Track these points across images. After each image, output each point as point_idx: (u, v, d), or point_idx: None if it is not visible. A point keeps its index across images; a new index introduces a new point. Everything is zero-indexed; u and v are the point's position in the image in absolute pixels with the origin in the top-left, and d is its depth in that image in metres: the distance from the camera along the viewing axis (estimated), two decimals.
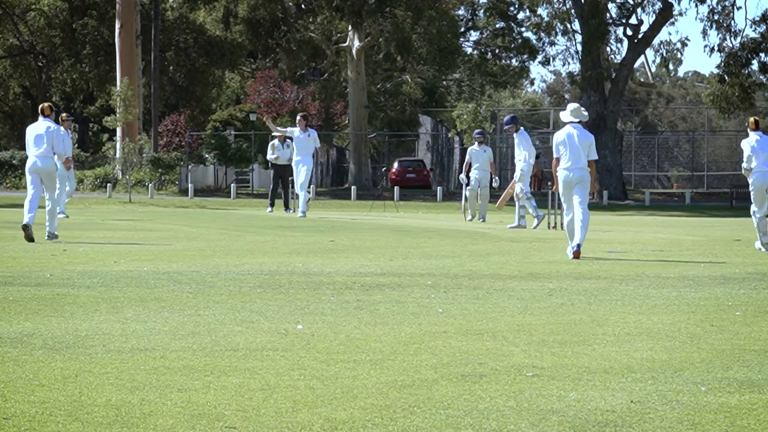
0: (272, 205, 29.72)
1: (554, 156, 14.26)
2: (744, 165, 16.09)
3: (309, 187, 27.77)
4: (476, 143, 23.72)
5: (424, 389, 4.66)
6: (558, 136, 14.35)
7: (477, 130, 25.98)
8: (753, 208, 15.99)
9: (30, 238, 14.85)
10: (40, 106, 16.48)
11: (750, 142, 15.88)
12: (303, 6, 59.96)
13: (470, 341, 6.01)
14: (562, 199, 14.45)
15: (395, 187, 46.93)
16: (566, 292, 8.58)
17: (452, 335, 6.23)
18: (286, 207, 28.73)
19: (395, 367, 5.17)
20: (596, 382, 4.88)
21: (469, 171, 23.80)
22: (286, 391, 4.58)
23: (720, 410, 4.35)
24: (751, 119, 16.53)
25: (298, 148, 23.47)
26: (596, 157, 14.80)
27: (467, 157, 23.94)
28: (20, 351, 5.51)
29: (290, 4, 59.93)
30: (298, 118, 23.88)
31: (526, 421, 4.12)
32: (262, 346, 5.73)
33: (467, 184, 23.87)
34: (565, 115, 14.59)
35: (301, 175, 23.21)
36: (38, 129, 16.08)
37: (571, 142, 14.32)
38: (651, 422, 4.13)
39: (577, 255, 13.19)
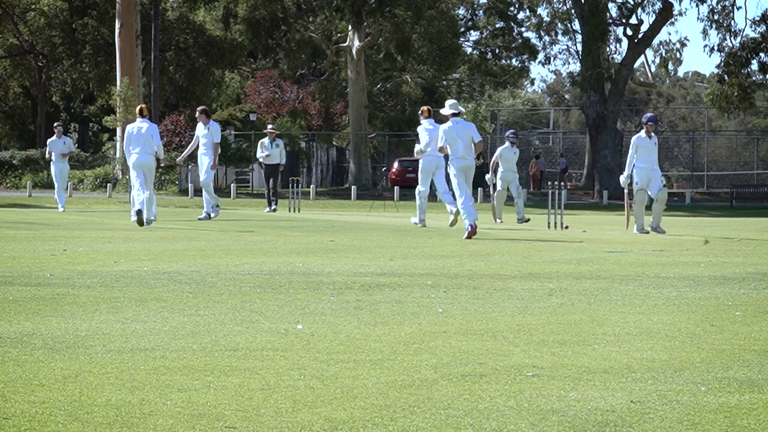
0: (269, 204, 29.78)
1: (439, 144, 17.29)
2: None
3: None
4: (508, 143, 23.24)
5: (424, 389, 4.67)
6: (445, 130, 17.08)
7: (511, 131, 24.83)
8: None
9: (141, 222, 18.47)
10: (138, 107, 19.82)
11: None
12: (303, 6, 59.95)
13: (470, 341, 6.02)
14: (456, 184, 17.12)
15: (395, 187, 46.93)
16: (566, 292, 8.59)
17: (452, 335, 6.23)
18: (269, 205, 28.80)
19: (395, 367, 5.18)
20: (596, 382, 4.88)
21: (495, 171, 23.58)
22: (286, 391, 4.58)
23: (720, 410, 4.35)
24: None
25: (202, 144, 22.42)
26: (480, 138, 17.41)
27: (496, 156, 23.37)
28: (20, 351, 5.51)
29: (290, 4, 59.92)
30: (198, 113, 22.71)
31: (526, 421, 4.12)
32: (262, 346, 5.73)
33: (494, 185, 23.38)
34: (445, 110, 17.15)
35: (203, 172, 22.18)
36: (139, 128, 19.23)
37: (459, 134, 16.98)
38: (651, 422, 4.13)
39: (473, 233, 16.27)
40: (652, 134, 18.32)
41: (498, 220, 23.13)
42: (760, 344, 6.07)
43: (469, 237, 16.48)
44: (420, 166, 20.54)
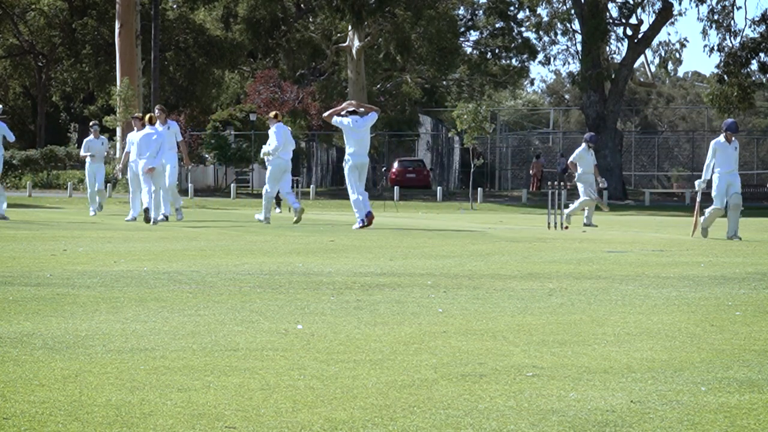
0: (278, 205, 29.84)
1: (348, 144, 18.98)
2: None
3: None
4: (585, 145, 22.80)
5: (424, 389, 4.67)
6: (344, 128, 18.93)
7: (590, 134, 24.26)
8: None
9: (148, 220, 19.89)
10: (149, 116, 20.74)
11: None
12: (303, 6, 59.95)
13: (470, 341, 6.01)
14: (349, 182, 18.89)
15: (395, 187, 46.94)
16: (566, 292, 8.59)
17: (452, 335, 6.23)
18: (278, 205, 28.83)
19: (395, 367, 5.18)
20: (596, 382, 4.88)
21: (565, 171, 23.36)
22: (286, 391, 4.58)
23: (720, 410, 4.35)
24: None
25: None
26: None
27: (573, 158, 22.85)
28: (20, 351, 5.51)
29: (290, 4, 59.91)
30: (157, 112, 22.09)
31: (526, 421, 4.12)
32: (262, 346, 5.73)
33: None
34: (345, 110, 19.16)
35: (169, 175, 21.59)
36: (149, 134, 20.16)
37: (359, 132, 18.84)
38: (651, 422, 4.13)
39: (368, 224, 18.58)
40: (733, 139, 17.66)
41: (588, 225, 22.42)
42: (760, 344, 6.07)
43: (363, 227, 18.70)
44: (269, 168, 21.07)
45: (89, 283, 8.80)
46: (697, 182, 18.03)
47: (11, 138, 22.18)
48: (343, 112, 19.32)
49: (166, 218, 21.09)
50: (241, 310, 7.21)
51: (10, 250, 12.65)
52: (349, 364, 5.25)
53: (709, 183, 17.99)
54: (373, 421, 4.09)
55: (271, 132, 20.96)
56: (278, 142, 20.60)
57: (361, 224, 18.77)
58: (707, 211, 17.99)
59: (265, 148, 21.25)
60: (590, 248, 14.35)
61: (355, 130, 19.01)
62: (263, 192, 21.19)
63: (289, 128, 22.24)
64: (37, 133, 61.78)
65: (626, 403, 4.44)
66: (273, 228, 19.24)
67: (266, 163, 22.26)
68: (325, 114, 19.89)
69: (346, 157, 19.15)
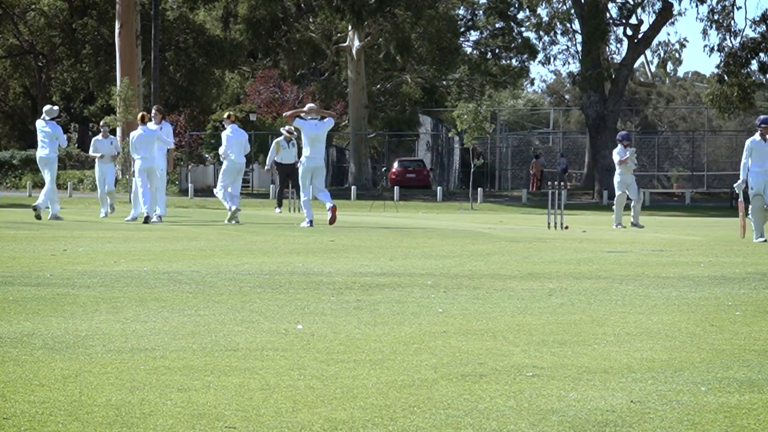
0: (280, 205, 29.75)
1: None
2: None
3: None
4: (621, 146, 22.50)
5: (424, 389, 4.66)
6: (304, 130, 19.52)
7: (623, 132, 23.83)
8: None
9: (146, 221, 20.12)
10: (141, 114, 20.87)
11: None
12: (303, 6, 59.96)
13: (470, 341, 6.01)
14: (302, 183, 19.93)
15: (395, 187, 46.93)
16: (566, 292, 8.58)
17: (452, 335, 6.23)
18: (279, 205, 28.84)
19: (395, 367, 5.17)
20: (596, 382, 4.88)
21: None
22: (286, 391, 4.58)
23: (720, 410, 4.35)
24: None
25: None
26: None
27: (618, 157, 22.51)
28: (20, 351, 5.51)
29: (290, 4, 59.91)
30: (153, 112, 22.03)
31: (526, 421, 4.12)
32: (262, 346, 5.73)
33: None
34: (305, 113, 19.86)
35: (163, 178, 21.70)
36: (141, 134, 20.10)
37: (318, 135, 19.56)
38: (651, 422, 4.13)
39: (334, 216, 19.70)
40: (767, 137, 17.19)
41: (617, 226, 22.11)
42: (760, 344, 6.07)
43: (314, 224, 19.37)
44: (222, 168, 21.53)
45: (89, 283, 8.80)
46: (735, 185, 17.74)
47: (64, 143, 22.16)
48: (303, 115, 20.00)
49: (161, 219, 21.07)
50: (241, 310, 7.21)
51: (10, 250, 12.64)
52: (349, 364, 5.25)
53: (745, 183, 17.55)
54: (373, 421, 4.08)
55: (224, 134, 21.44)
56: (226, 145, 21.19)
57: (309, 224, 19.36)
58: (751, 213, 17.61)
59: (220, 150, 21.79)
60: (590, 248, 14.35)
61: (314, 133, 19.70)
62: (216, 192, 21.64)
63: (244, 131, 22.40)
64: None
65: (626, 403, 4.44)
66: (273, 228, 19.24)
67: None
68: (287, 114, 20.43)
69: (302, 159, 19.97)
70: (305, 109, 20.44)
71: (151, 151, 20.56)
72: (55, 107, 22.89)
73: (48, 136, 21.77)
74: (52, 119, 21.91)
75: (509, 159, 62.18)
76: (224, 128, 21.78)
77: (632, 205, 22.72)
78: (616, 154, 22.60)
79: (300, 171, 19.93)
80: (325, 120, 19.95)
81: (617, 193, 22.62)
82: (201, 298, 7.85)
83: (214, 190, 21.77)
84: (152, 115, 21.71)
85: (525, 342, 6.01)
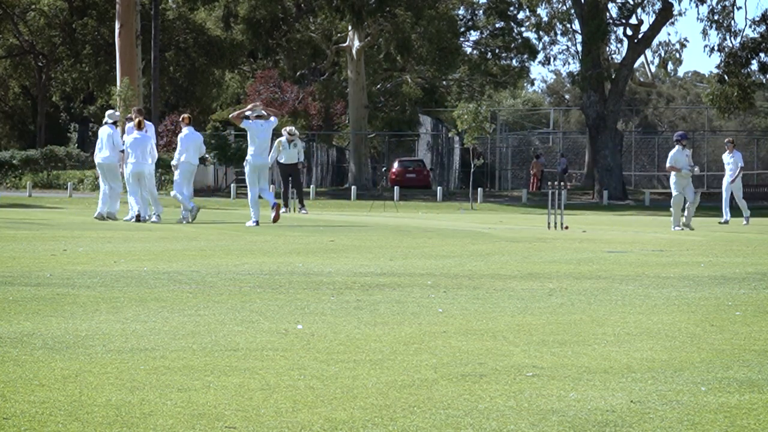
0: (286, 205, 29.75)
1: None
2: None
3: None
4: (679, 147, 22.04)
5: (424, 389, 4.66)
6: (251, 130, 20.04)
7: (680, 132, 23.48)
8: None
9: (138, 219, 20.73)
10: (138, 120, 20.99)
11: None
12: (303, 6, 59.94)
13: (470, 341, 6.01)
14: (249, 181, 20.20)
15: (395, 187, 46.94)
16: (566, 292, 8.58)
17: (452, 335, 6.23)
18: (302, 206, 28.70)
19: (395, 367, 5.17)
20: (596, 382, 4.88)
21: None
22: (286, 391, 4.58)
23: (720, 410, 4.35)
24: None
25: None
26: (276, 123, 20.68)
27: (670, 161, 22.06)
28: (20, 351, 5.51)
29: (290, 4, 59.90)
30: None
31: (526, 421, 4.12)
32: (262, 346, 5.73)
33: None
34: (250, 112, 20.38)
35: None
36: (139, 138, 20.59)
37: (263, 134, 20.09)
38: (651, 422, 4.13)
39: (278, 213, 20.23)
40: None
41: (676, 227, 21.71)
42: (760, 344, 6.07)
43: (267, 223, 19.69)
44: (179, 170, 21.71)
45: (89, 283, 8.80)
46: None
47: (120, 146, 22.03)
48: (248, 112, 20.48)
49: (159, 217, 21.22)
50: (241, 310, 7.21)
51: (10, 250, 12.64)
52: (349, 364, 5.25)
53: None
54: (373, 421, 4.09)
55: (180, 136, 21.57)
56: (180, 147, 21.34)
57: (254, 224, 19.74)
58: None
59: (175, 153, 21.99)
60: (590, 248, 14.35)
61: (260, 132, 20.20)
62: (174, 194, 21.88)
63: (200, 133, 22.48)
64: (37, 133, 61.78)
65: (626, 403, 4.44)
66: (273, 228, 19.24)
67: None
68: (232, 114, 20.98)
69: (248, 157, 20.36)
70: (249, 107, 20.95)
71: (144, 155, 20.95)
72: (117, 112, 23.52)
73: (110, 139, 22.05)
74: (113, 123, 22.30)
75: (509, 159, 62.18)
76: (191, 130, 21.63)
77: (687, 206, 22.14)
78: (671, 157, 22.04)
79: (246, 170, 20.44)
80: (271, 119, 20.53)
81: (674, 193, 22.09)
82: (201, 298, 7.85)
83: (171, 193, 22.15)
84: (133, 116, 21.71)
85: (525, 342, 6.01)
